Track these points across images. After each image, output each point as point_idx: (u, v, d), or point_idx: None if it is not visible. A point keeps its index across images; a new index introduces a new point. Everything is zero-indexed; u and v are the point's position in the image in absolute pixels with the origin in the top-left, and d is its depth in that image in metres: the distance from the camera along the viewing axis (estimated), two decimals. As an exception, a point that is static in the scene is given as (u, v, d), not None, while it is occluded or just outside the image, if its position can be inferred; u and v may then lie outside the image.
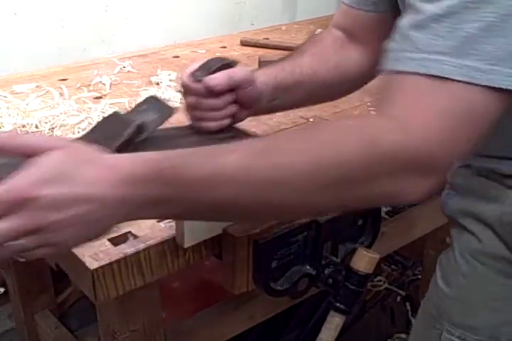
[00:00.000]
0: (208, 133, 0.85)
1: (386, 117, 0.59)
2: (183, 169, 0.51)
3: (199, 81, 0.81)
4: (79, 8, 1.68)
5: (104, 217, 0.50)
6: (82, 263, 0.75)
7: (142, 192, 0.50)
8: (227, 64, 0.84)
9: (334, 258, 0.93)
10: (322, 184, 0.55)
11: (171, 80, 1.40)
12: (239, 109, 0.87)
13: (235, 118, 0.88)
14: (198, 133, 0.86)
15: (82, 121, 1.12)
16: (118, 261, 0.76)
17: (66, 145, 0.50)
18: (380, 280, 1.74)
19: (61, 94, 1.29)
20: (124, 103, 1.25)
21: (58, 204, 0.47)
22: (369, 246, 0.98)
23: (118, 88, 1.37)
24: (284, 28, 1.99)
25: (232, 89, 0.83)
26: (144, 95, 1.27)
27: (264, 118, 1.21)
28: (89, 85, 1.37)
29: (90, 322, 1.52)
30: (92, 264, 0.74)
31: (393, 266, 1.85)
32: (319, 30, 1.64)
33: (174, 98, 1.29)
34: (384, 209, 1.97)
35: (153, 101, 0.87)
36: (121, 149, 0.73)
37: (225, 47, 1.75)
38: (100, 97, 1.30)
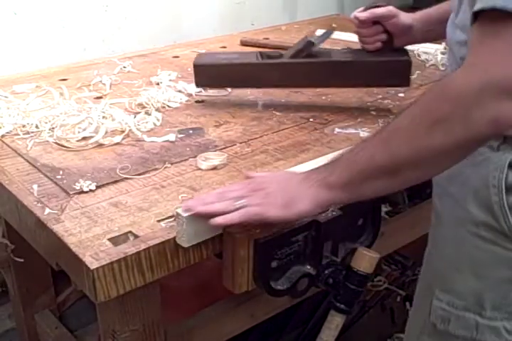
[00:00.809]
0: (370, 52, 1.19)
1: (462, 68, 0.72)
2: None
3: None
4: (79, 8, 1.68)
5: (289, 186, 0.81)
6: (82, 263, 0.75)
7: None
8: (377, 6, 1.15)
9: (334, 258, 0.93)
10: (431, 122, 0.71)
11: (170, 80, 1.40)
12: (389, 37, 1.17)
13: (389, 43, 1.18)
14: (362, 53, 1.21)
15: (83, 121, 1.12)
16: (118, 261, 0.76)
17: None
18: (380, 280, 1.74)
19: (61, 94, 1.29)
20: (124, 103, 1.25)
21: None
22: (369, 246, 0.98)
23: (118, 88, 1.37)
24: (284, 28, 1.99)
25: (377, 21, 1.16)
26: (144, 95, 1.27)
27: (264, 117, 1.22)
28: (90, 85, 1.38)
29: (90, 322, 1.52)
30: (93, 264, 0.74)
31: (393, 266, 1.84)
32: (320, 30, 1.64)
33: (174, 98, 1.29)
34: (384, 209, 1.97)
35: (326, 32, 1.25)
36: (295, 56, 1.18)
37: (225, 47, 1.75)
38: (100, 97, 1.31)
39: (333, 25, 1.76)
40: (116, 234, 0.81)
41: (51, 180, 0.95)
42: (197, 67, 1.21)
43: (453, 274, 0.95)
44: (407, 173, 0.76)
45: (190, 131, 1.15)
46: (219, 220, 0.77)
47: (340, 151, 0.83)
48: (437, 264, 1.00)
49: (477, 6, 0.67)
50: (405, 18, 1.17)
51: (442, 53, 1.61)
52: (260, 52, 1.24)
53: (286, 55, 1.19)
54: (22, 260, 1.32)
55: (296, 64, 1.18)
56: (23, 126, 1.13)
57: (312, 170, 0.82)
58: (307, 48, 1.17)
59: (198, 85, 1.26)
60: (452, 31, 0.90)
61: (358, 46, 1.22)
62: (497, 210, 0.86)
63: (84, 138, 1.08)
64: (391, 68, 1.18)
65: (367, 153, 0.76)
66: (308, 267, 0.91)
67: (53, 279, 1.47)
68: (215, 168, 0.99)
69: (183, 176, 0.97)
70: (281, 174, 0.91)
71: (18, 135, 1.11)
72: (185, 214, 0.78)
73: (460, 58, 0.87)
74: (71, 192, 0.91)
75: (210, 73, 1.22)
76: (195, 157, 1.03)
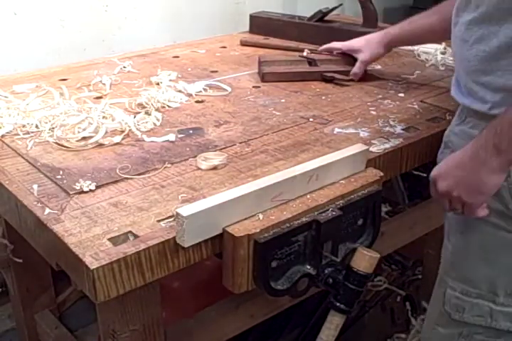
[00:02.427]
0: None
1: None
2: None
3: None
4: (79, 8, 1.68)
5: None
6: (82, 263, 0.75)
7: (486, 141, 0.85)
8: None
9: (334, 258, 0.93)
10: None
11: (171, 80, 1.40)
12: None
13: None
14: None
15: (83, 121, 1.11)
16: (118, 261, 0.76)
17: None
18: (380, 280, 1.74)
19: (61, 94, 1.28)
20: (124, 103, 1.25)
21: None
22: (369, 246, 0.98)
23: (118, 88, 1.37)
24: (284, 28, 1.99)
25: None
26: (144, 95, 1.27)
27: (264, 117, 1.22)
28: (90, 85, 1.38)
29: (90, 322, 1.52)
30: (93, 264, 0.74)
31: (393, 266, 1.85)
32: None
33: (174, 98, 1.29)
34: (384, 209, 1.98)
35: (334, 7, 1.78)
36: (309, 20, 1.79)
37: (225, 47, 1.75)
38: (100, 97, 1.31)
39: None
40: (116, 234, 0.81)
41: (51, 180, 0.95)
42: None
43: (464, 262, 0.97)
44: None
45: (190, 131, 1.15)
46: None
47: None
48: (449, 253, 1.02)
49: None
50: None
51: (442, 53, 1.61)
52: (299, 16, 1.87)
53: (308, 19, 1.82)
54: (21, 260, 1.32)
55: (306, 24, 1.80)
56: (23, 126, 1.13)
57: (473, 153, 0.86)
58: (317, 15, 1.78)
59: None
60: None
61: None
62: (506, 195, 0.87)
63: (84, 138, 1.08)
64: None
65: None
66: (308, 267, 0.91)
67: (53, 279, 1.47)
68: (215, 168, 0.99)
69: (183, 176, 0.97)
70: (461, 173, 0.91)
71: (18, 135, 1.11)
72: (185, 214, 0.78)
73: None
74: (71, 192, 0.91)
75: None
76: (195, 157, 1.03)
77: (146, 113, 1.20)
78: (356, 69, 1.38)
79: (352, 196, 0.95)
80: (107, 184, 0.94)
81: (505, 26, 0.83)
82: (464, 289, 0.97)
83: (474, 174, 0.85)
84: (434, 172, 0.95)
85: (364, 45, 1.39)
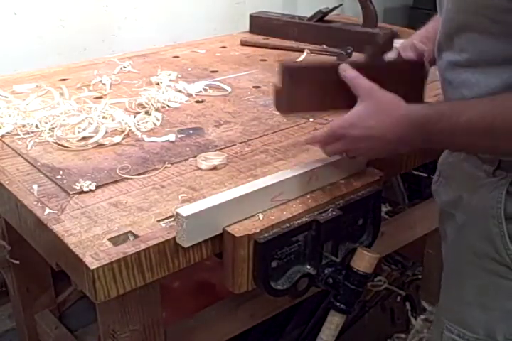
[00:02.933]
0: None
1: None
2: (439, 124, 0.75)
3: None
4: (79, 8, 1.68)
5: (387, 148, 0.82)
6: (82, 263, 0.75)
7: (411, 135, 0.78)
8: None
9: (334, 258, 0.93)
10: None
11: (171, 80, 1.40)
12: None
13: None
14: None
15: (83, 121, 1.11)
16: (118, 261, 0.76)
17: (373, 97, 0.81)
18: (380, 280, 1.74)
19: (61, 94, 1.28)
20: (124, 103, 1.25)
21: (357, 140, 0.82)
22: (369, 246, 0.98)
23: (118, 88, 1.37)
24: (284, 28, 1.99)
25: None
26: (144, 95, 1.27)
27: (264, 117, 1.22)
28: (90, 85, 1.37)
29: (90, 322, 1.52)
30: (93, 264, 0.74)
31: (393, 266, 1.85)
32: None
33: (174, 98, 1.29)
34: (384, 209, 1.98)
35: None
36: (309, 19, 1.76)
37: (225, 47, 1.75)
38: (100, 97, 1.30)
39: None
40: (116, 234, 0.81)
41: (51, 180, 0.95)
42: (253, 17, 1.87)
43: (461, 306, 0.93)
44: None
45: (190, 131, 1.15)
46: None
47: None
48: (445, 296, 0.99)
49: None
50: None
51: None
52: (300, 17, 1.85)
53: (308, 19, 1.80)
54: (18, 262, 1.32)
55: (306, 24, 1.78)
56: (23, 126, 1.13)
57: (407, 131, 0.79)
58: (317, 15, 1.76)
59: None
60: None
61: None
62: (498, 242, 0.84)
63: (84, 138, 1.08)
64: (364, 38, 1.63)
65: (469, 138, 0.76)
66: (308, 267, 0.91)
67: (53, 279, 1.47)
68: (215, 168, 0.99)
69: (183, 176, 0.97)
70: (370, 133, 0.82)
71: (18, 135, 1.11)
72: (185, 214, 0.78)
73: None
74: (71, 192, 0.91)
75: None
76: (195, 157, 1.03)
77: (146, 113, 1.20)
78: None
79: (352, 196, 0.95)
80: (107, 184, 0.94)
81: (491, 75, 0.79)
82: (461, 332, 0.93)
83: (390, 144, 0.81)
84: (347, 121, 0.83)
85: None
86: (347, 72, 0.84)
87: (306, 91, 0.85)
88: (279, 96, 0.88)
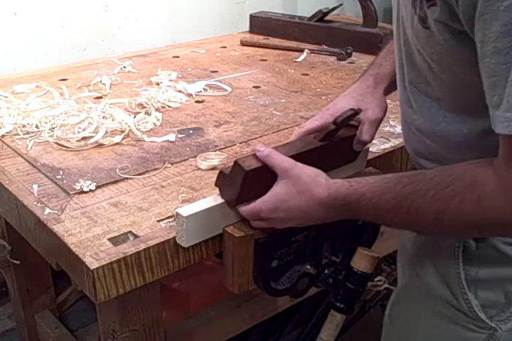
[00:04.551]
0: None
1: (496, 177, 0.61)
2: (358, 204, 0.72)
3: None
4: (79, 8, 1.68)
5: (308, 223, 0.80)
6: (82, 263, 0.75)
7: (334, 214, 0.76)
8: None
9: (334, 258, 0.93)
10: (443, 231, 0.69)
11: (170, 80, 1.40)
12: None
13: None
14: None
15: (82, 121, 1.11)
16: (118, 261, 0.76)
17: (289, 175, 0.77)
18: (380, 280, 1.74)
19: (61, 94, 1.29)
20: (124, 103, 1.25)
21: (280, 220, 0.78)
22: (369, 246, 0.98)
23: (118, 88, 1.37)
24: (284, 28, 1.99)
25: None
26: (144, 95, 1.27)
27: (264, 117, 1.22)
28: (90, 85, 1.38)
29: (90, 322, 1.52)
30: (93, 264, 0.74)
31: (393, 266, 1.84)
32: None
33: (174, 98, 1.29)
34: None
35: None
36: (309, 19, 1.79)
37: (225, 47, 1.75)
38: (100, 97, 1.31)
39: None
40: (116, 234, 0.81)
41: (51, 180, 0.95)
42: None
43: None
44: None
45: (190, 131, 1.15)
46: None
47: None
48: (388, 334, 0.95)
49: (497, 130, 0.59)
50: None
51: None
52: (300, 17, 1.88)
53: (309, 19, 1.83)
54: (18, 262, 1.32)
55: (306, 24, 1.79)
56: (23, 126, 1.13)
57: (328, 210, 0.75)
58: (317, 15, 1.78)
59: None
60: (407, 107, 0.80)
61: None
62: (455, 285, 0.78)
63: (84, 138, 1.08)
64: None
65: (388, 216, 0.70)
66: (308, 267, 0.91)
67: (53, 279, 1.47)
68: (214, 168, 0.99)
69: (183, 176, 0.97)
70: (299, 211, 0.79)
71: (18, 135, 1.11)
72: (185, 214, 0.78)
73: (421, 143, 0.79)
74: (71, 192, 0.91)
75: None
76: (195, 157, 1.03)
77: (146, 113, 1.20)
78: (366, 135, 0.90)
79: (352, 196, 0.95)
80: (107, 184, 0.94)
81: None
82: None
83: (315, 220, 0.78)
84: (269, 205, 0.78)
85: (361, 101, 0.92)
86: (261, 151, 0.78)
87: (256, 186, 0.79)
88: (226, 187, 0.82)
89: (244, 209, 0.80)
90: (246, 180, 0.77)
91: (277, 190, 0.77)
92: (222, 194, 0.83)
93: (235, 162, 0.78)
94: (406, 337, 0.90)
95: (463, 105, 0.71)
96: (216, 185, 0.83)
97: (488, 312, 0.78)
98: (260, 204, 0.78)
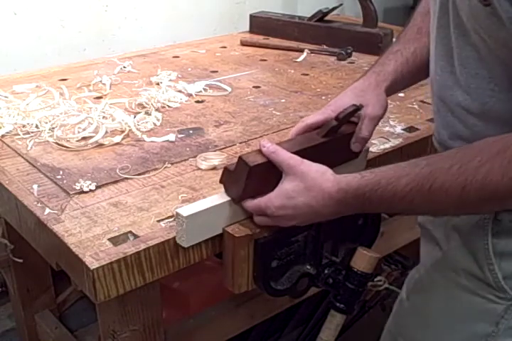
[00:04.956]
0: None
1: None
2: (373, 193, 0.71)
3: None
4: (79, 8, 1.68)
5: (315, 219, 0.80)
6: (82, 263, 0.75)
7: (344, 209, 0.76)
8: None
9: (334, 258, 0.93)
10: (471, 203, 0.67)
11: (170, 80, 1.40)
12: None
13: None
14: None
15: (83, 121, 1.11)
16: (118, 261, 0.76)
17: (297, 171, 0.76)
18: (380, 280, 1.74)
19: (61, 94, 1.29)
20: (124, 103, 1.25)
21: (290, 218, 0.78)
22: (369, 246, 0.98)
23: (118, 88, 1.37)
24: (284, 28, 1.99)
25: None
26: (144, 95, 1.27)
27: (264, 117, 1.22)
28: (90, 85, 1.38)
29: (90, 322, 1.52)
30: (93, 264, 0.74)
31: (393, 266, 1.84)
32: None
33: (174, 98, 1.29)
34: (384, 209, 1.97)
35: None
36: (309, 19, 1.79)
37: (225, 47, 1.75)
38: (100, 97, 1.31)
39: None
40: (116, 234, 0.81)
41: (51, 180, 0.95)
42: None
43: (424, 329, 0.88)
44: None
45: (190, 131, 1.15)
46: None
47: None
48: (405, 313, 0.94)
49: None
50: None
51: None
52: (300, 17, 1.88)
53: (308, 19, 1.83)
54: (21, 260, 1.32)
55: (306, 24, 1.79)
56: (23, 126, 1.13)
57: (341, 203, 0.75)
58: (317, 15, 1.78)
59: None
60: (451, 90, 0.78)
61: None
62: (481, 257, 0.78)
63: (84, 138, 1.08)
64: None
65: (406, 199, 0.70)
66: (308, 267, 0.91)
67: (53, 279, 1.47)
68: (214, 168, 0.99)
69: (183, 176, 0.97)
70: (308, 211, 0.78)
71: (18, 135, 1.11)
72: (186, 214, 0.78)
73: (464, 124, 0.78)
74: (71, 192, 0.91)
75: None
76: (195, 157, 1.03)
77: (146, 113, 1.20)
78: (365, 131, 0.89)
79: (352, 196, 0.95)
80: (107, 184, 0.94)
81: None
82: None
83: (324, 216, 0.78)
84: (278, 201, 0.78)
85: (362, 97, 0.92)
86: (267, 147, 0.78)
87: (261, 182, 0.80)
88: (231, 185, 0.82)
89: (250, 203, 0.80)
90: (250, 176, 0.77)
91: (284, 187, 0.77)
92: (226, 190, 0.83)
93: (240, 158, 0.78)
94: (424, 311, 0.89)
95: None
96: (221, 181, 0.83)
97: (508, 283, 0.78)
98: (267, 201, 0.78)
